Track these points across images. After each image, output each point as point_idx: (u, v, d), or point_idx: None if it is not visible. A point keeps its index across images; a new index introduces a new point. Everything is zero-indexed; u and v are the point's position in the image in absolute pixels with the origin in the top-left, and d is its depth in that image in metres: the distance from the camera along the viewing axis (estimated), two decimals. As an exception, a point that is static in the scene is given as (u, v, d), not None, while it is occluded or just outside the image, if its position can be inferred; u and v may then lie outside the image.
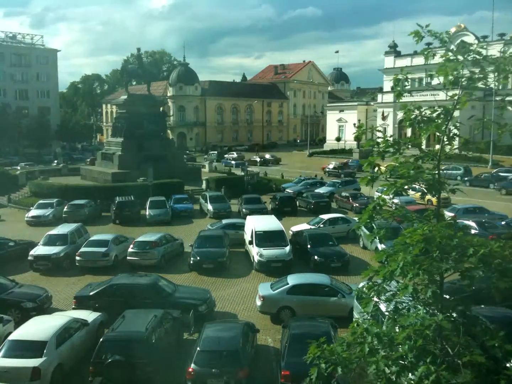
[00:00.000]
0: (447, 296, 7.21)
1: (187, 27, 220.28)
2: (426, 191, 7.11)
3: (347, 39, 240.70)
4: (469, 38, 63.72)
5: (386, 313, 7.46)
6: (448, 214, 25.90)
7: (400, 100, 7.55)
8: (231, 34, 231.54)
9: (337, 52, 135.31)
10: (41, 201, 35.84)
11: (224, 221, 28.99)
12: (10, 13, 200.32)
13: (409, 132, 43.62)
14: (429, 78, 7.22)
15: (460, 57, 6.62)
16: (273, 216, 28.50)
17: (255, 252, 22.93)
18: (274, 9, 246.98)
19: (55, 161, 66.08)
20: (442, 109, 6.93)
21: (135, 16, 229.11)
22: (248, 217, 27.46)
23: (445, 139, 6.99)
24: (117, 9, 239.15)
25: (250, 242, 23.86)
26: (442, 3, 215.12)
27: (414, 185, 7.20)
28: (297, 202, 37.13)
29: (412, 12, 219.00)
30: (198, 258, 22.94)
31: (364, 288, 7.22)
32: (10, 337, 13.58)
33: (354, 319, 11.54)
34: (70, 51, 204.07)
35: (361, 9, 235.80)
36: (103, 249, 23.43)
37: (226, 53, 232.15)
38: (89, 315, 15.99)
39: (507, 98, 9.38)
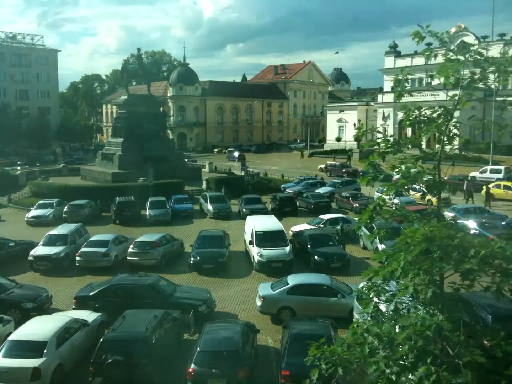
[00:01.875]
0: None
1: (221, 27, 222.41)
2: (426, 191, 7.09)
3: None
4: (469, 38, 63.63)
5: (387, 314, 7.44)
6: (448, 214, 25.95)
7: (401, 101, 7.53)
8: (267, 33, 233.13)
9: (337, 53, 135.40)
10: (41, 201, 35.84)
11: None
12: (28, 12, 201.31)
13: (409, 132, 43.58)
14: (429, 79, 7.20)
15: (461, 57, 6.59)
16: (273, 216, 28.49)
17: (255, 252, 22.92)
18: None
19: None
20: (442, 109, 6.91)
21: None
22: (248, 217, 27.47)
23: (445, 139, 6.96)
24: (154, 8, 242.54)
25: (250, 242, 23.86)
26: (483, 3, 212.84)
27: (414, 185, 7.17)
28: (297, 202, 37.12)
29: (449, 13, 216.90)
30: (198, 258, 22.93)
31: (364, 289, 7.21)
32: (10, 337, 13.58)
33: (354, 320, 11.54)
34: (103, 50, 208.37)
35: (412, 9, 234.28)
36: (103, 250, 23.44)
37: (261, 53, 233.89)
38: (89, 315, 15.97)
39: (508, 99, 9.36)
